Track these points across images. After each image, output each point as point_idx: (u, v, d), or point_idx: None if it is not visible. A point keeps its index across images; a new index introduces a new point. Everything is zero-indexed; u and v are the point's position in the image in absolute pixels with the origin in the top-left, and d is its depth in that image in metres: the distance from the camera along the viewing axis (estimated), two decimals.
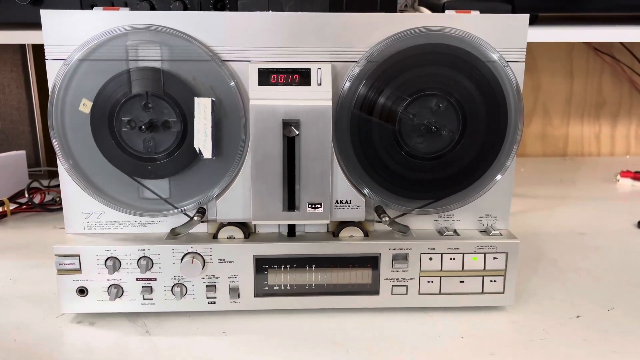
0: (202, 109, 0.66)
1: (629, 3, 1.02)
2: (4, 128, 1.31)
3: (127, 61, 0.66)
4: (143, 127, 0.67)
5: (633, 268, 0.88)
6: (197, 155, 0.68)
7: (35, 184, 1.15)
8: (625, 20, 1.14)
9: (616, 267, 0.88)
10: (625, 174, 1.31)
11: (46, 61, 0.68)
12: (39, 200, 1.12)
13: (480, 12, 0.69)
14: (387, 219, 0.72)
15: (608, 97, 1.54)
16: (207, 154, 0.67)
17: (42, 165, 1.33)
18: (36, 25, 1.00)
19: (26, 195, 1.09)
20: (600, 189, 1.28)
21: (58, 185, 1.18)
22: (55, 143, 0.68)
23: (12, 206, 1.09)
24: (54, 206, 1.11)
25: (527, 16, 0.69)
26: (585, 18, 1.18)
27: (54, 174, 1.29)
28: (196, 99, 0.66)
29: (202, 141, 0.67)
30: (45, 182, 1.20)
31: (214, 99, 0.66)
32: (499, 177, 0.71)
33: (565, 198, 1.22)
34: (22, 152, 1.21)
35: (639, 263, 0.90)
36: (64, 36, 0.67)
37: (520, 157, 1.56)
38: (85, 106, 0.65)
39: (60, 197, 1.12)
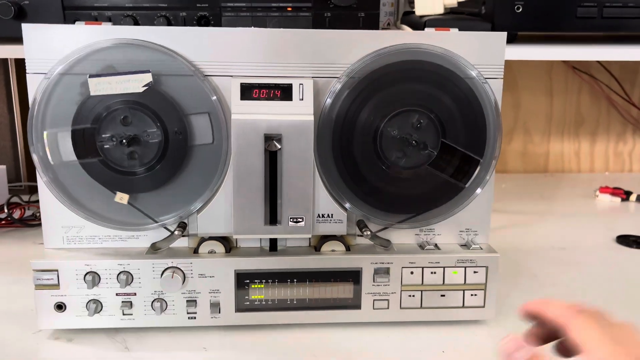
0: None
1: (605, 24, 1.04)
2: None
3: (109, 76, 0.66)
4: (124, 140, 0.67)
5: (613, 282, 0.89)
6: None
7: (15, 199, 1.13)
8: (602, 40, 1.16)
9: (596, 282, 0.89)
10: (604, 189, 1.33)
11: (27, 75, 0.67)
12: (18, 216, 1.11)
13: (460, 30, 0.70)
14: (369, 232, 0.72)
15: (587, 115, 1.57)
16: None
17: (23, 181, 1.32)
18: (19, 39, 1.00)
19: (5, 211, 1.07)
20: (580, 205, 1.30)
21: (38, 201, 1.17)
22: (34, 157, 0.68)
23: None
24: (33, 221, 1.10)
25: (504, 34, 0.70)
26: (564, 37, 1.21)
27: (35, 190, 1.27)
28: None
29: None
30: (25, 198, 1.18)
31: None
32: (479, 190, 0.72)
33: (546, 214, 1.23)
34: (2, 167, 1.20)
35: (618, 277, 0.91)
36: (45, 50, 0.67)
37: (501, 173, 1.57)
38: (122, 199, 0.68)
39: (40, 213, 1.11)
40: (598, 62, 1.49)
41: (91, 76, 0.65)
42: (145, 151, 0.68)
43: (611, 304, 0.81)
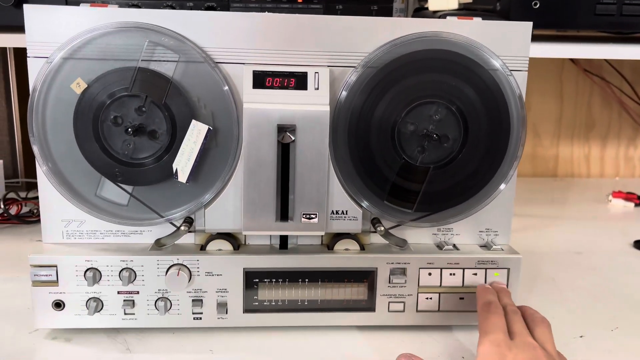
0: (196, 133, 0.63)
1: (624, 21, 1.01)
2: None
3: (115, 61, 0.63)
4: (129, 129, 0.63)
5: (633, 288, 0.86)
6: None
7: (12, 195, 1.09)
8: (612, 40, 1.13)
9: (616, 287, 0.86)
10: (617, 194, 1.30)
11: (28, 59, 0.64)
12: (15, 212, 1.07)
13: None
14: (382, 229, 0.68)
15: (597, 119, 1.54)
16: (182, 178, 0.64)
17: (20, 177, 1.28)
18: (20, 28, 0.97)
19: (2, 206, 1.04)
20: (593, 210, 1.26)
21: (36, 197, 1.13)
22: (34, 145, 0.64)
23: None
24: (31, 218, 1.06)
25: (530, 24, 0.67)
26: (575, 37, 1.18)
27: (32, 186, 1.24)
28: (193, 122, 0.63)
29: (183, 164, 0.63)
30: (22, 194, 1.15)
31: (210, 127, 0.63)
32: (502, 186, 0.68)
33: (558, 218, 1.20)
34: (0, 162, 1.16)
35: (638, 283, 0.87)
36: (47, 33, 0.63)
37: None
38: (79, 86, 0.61)
39: (38, 209, 1.07)
40: (609, 64, 1.47)
41: None
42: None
43: (635, 311, 0.78)
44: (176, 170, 0.63)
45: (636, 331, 0.72)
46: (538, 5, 0.99)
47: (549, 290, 0.84)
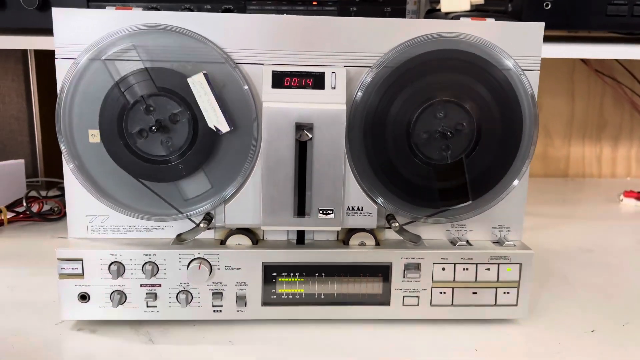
0: (199, 86, 0.64)
1: (635, 22, 1.02)
2: (2, 138, 1.29)
3: (140, 61, 0.65)
4: (153, 127, 0.65)
5: None
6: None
7: (33, 193, 1.12)
8: (623, 40, 1.14)
9: (628, 284, 0.87)
10: (628, 194, 1.31)
11: (55, 60, 0.66)
12: (37, 210, 1.09)
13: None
14: (397, 224, 0.70)
15: (609, 119, 1.55)
16: (223, 128, 0.65)
17: (40, 176, 1.31)
18: (42, 30, 1.00)
19: (24, 204, 1.06)
20: (604, 209, 1.27)
21: (56, 196, 1.16)
22: (62, 145, 0.66)
23: (10, 215, 1.06)
24: (52, 215, 1.09)
25: (542, 24, 0.69)
26: (586, 38, 1.19)
27: (52, 185, 1.27)
28: (189, 80, 0.64)
29: (214, 117, 0.65)
30: (43, 193, 1.18)
31: (204, 72, 0.64)
32: (515, 182, 0.70)
33: (570, 217, 1.21)
34: (21, 161, 1.19)
35: None
36: (75, 35, 0.66)
37: None
38: (94, 137, 0.65)
39: (58, 207, 1.10)
40: (621, 64, 1.47)
41: None
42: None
43: None
44: (215, 127, 0.65)
45: None
46: (550, 6, 1.01)
47: (561, 287, 0.85)
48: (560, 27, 1.04)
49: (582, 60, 1.47)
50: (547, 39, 1.13)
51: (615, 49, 1.07)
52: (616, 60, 1.46)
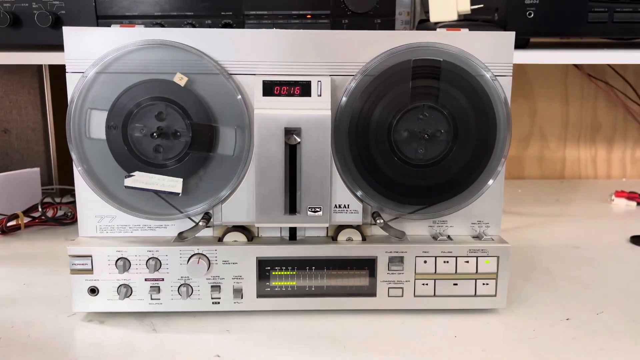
0: (139, 184, 0.72)
1: (616, 28, 1.07)
2: (19, 148, 1.37)
3: (141, 74, 0.71)
4: (154, 134, 0.72)
5: (624, 278, 0.91)
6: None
7: (48, 200, 1.19)
8: (614, 46, 1.19)
9: (607, 277, 0.91)
10: (619, 194, 1.34)
11: (66, 74, 0.73)
12: (51, 215, 1.16)
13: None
14: (382, 221, 0.75)
15: (603, 122, 1.59)
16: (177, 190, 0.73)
17: (55, 184, 1.38)
18: (55, 47, 1.07)
19: (40, 209, 1.13)
20: (595, 208, 1.31)
21: (69, 202, 1.23)
22: (72, 151, 0.73)
23: (26, 219, 1.13)
24: (65, 220, 1.16)
25: (512, 33, 0.74)
26: (578, 44, 1.23)
27: (66, 192, 1.34)
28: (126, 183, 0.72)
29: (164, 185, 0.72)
30: (57, 200, 1.24)
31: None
32: (490, 182, 0.75)
33: (561, 216, 1.25)
34: (37, 170, 1.27)
35: (630, 273, 0.93)
36: (83, 51, 0.72)
37: (518, 179, 1.60)
38: (182, 79, 0.70)
39: (72, 213, 1.17)
40: (613, 69, 1.52)
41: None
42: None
43: (622, 297, 0.83)
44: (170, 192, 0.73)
45: (620, 314, 0.78)
46: (532, 15, 1.06)
47: (543, 279, 0.89)
48: (544, 35, 1.09)
49: (575, 65, 1.52)
50: (541, 45, 1.18)
51: (606, 55, 1.11)
52: (608, 65, 1.50)
